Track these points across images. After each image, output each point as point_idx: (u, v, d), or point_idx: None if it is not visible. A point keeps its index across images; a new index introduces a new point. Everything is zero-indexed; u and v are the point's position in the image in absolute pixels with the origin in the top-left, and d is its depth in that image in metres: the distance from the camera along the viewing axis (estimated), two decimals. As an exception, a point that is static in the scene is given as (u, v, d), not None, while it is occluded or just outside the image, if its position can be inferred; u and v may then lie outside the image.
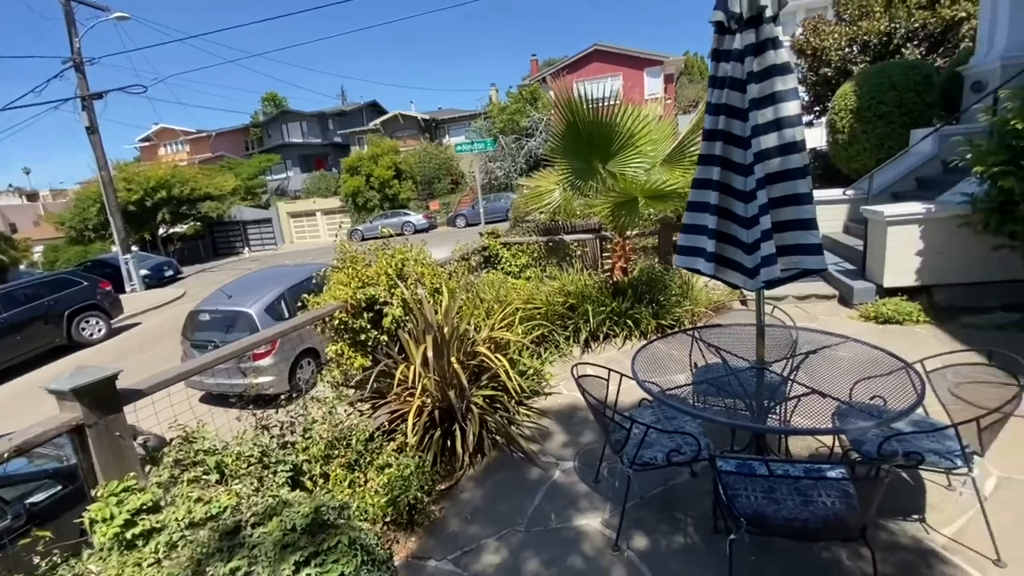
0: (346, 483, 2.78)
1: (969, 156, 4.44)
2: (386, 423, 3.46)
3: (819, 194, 7.44)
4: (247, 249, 31.19)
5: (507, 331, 4.20)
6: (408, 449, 3.10)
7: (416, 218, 26.08)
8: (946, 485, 2.62)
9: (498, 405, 3.70)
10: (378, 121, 37.12)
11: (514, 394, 3.65)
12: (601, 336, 5.34)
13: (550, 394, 4.31)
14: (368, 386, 3.52)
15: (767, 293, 2.47)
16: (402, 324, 3.72)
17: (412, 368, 3.36)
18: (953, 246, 4.87)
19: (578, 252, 6.99)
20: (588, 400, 2.48)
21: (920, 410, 2.45)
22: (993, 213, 4.41)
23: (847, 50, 10.55)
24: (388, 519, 2.73)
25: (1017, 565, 2.12)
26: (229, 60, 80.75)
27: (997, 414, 2.11)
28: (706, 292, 5.90)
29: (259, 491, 2.36)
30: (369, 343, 3.77)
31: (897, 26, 9.99)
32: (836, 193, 7.27)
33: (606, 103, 4.80)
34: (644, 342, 3.35)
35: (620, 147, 5.25)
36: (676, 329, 5.14)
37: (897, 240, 5.02)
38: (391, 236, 4.31)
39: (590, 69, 27.95)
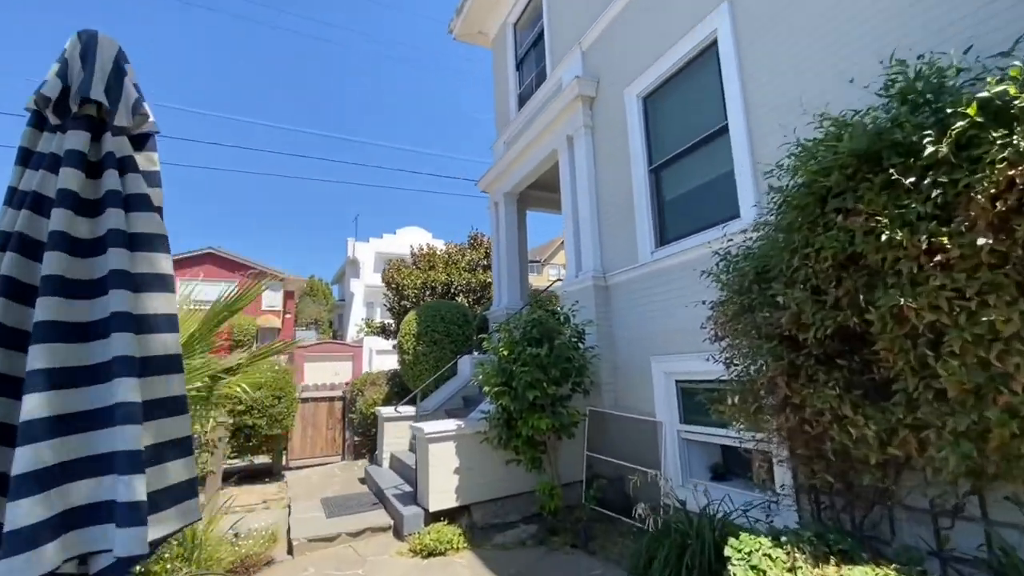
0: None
1: (480, 377, 5.00)
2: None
3: (385, 411, 7.43)
4: None
5: None
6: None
7: None
8: None
9: None
10: None
11: None
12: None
13: None
14: None
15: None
16: None
17: None
18: (481, 462, 5.09)
19: None
20: None
21: None
22: (502, 428, 4.89)
23: (421, 290, 12.89)
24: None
25: None
26: None
27: None
28: (229, 543, 4.24)
29: None
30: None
31: (453, 280, 13.01)
32: (390, 411, 7.36)
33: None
34: None
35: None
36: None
37: (438, 457, 4.94)
38: None
39: (203, 270, 26.30)
